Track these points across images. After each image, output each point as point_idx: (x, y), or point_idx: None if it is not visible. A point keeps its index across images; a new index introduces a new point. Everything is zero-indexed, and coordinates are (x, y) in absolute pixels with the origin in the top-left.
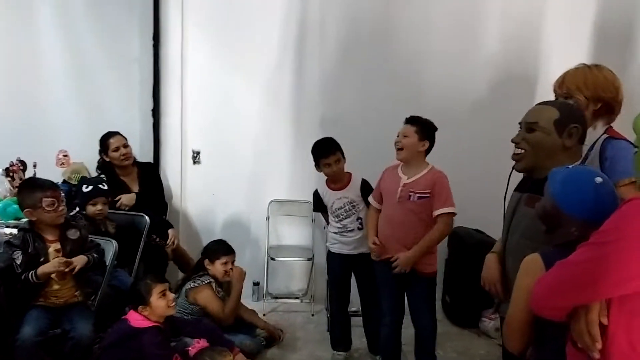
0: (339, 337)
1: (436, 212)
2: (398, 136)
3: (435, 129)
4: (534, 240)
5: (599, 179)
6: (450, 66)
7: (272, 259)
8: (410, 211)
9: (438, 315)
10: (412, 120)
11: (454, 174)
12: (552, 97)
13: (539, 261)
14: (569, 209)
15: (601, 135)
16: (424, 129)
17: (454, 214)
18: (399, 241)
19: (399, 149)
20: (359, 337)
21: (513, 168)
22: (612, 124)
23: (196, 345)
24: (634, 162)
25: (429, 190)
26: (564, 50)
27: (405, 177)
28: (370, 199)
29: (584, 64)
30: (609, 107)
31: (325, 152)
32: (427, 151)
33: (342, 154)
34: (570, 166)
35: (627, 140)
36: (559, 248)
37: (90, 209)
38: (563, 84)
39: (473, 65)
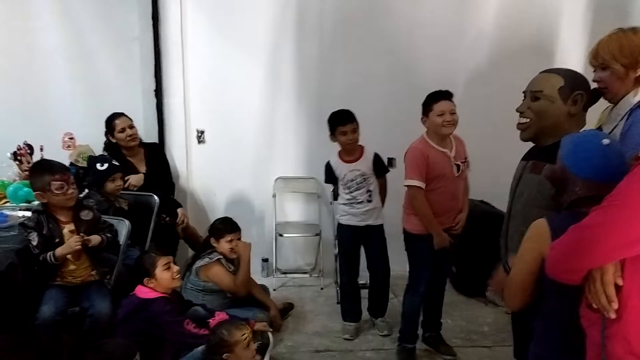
0: (349, 309)
1: (467, 173)
2: (443, 114)
3: None
4: (537, 206)
5: (606, 140)
6: (445, 40)
7: (280, 235)
8: (462, 180)
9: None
10: (448, 96)
11: None
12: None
13: (545, 226)
14: (575, 167)
15: (636, 103)
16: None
17: None
18: (456, 208)
19: (451, 126)
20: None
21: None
22: None
23: (217, 317)
24: None
25: (466, 156)
26: (559, 22)
27: (447, 150)
28: (413, 181)
29: (619, 28)
30: None
31: (344, 119)
32: None
33: (358, 125)
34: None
35: None
36: (565, 213)
37: (110, 186)
38: (598, 54)
39: (467, 37)
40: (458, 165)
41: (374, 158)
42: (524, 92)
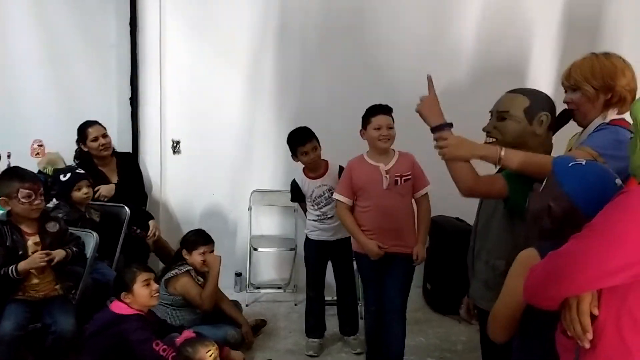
0: (314, 324)
1: (421, 193)
2: (379, 129)
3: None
4: (496, 221)
5: (619, 182)
6: (423, 54)
7: (255, 249)
8: (398, 195)
9: (419, 303)
10: (386, 110)
11: (433, 163)
12: (524, 84)
13: (536, 256)
14: (589, 210)
15: (602, 122)
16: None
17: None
18: (395, 229)
19: (386, 141)
20: (329, 322)
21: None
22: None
23: (183, 335)
24: (630, 148)
25: (410, 172)
26: (531, 44)
27: (382, 165)
28: (338, 195)
29: (592, 53)
30: (620, 96)
31: (302, 140)
32: None
33: (318, 141)
34: (583, 162)
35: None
36: (555, 244)
37: (77, 195)
38: (570, 76)
39: (443, 56)
40: (390, 179)
41: (340, 171)
42: (490, 111)
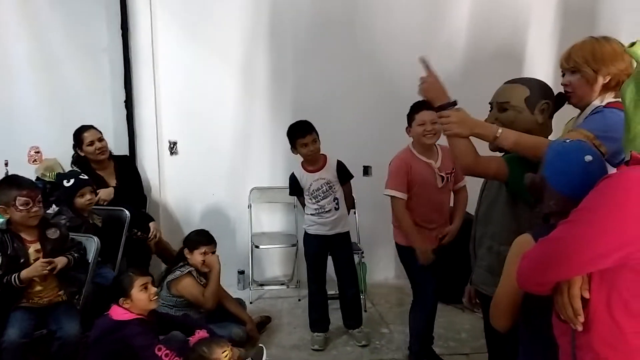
0: (317, 318)
1: (460, 185)
2: (424, 124)
3: None
4: (497, 208)
5: (588, 157)
6: (418, 44)
7: (256, 246)
8: (447, 191)
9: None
10: (429, 106)
11: None
12: (522, 73)
13: (531, 241)
14: (553, 180)
15: (599, 105)
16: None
17: None
18: (440, 221)
19: (432, 136)
20: (332, 317)
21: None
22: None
23: (196, 335)
24: (624, 129)
25: (453, 167)
26: (527, 30)
27: (432, 162)
28: (393, 192)
29: (591, 36)
30: (618, 80)
31: (302, 132)
32: None
33: (317, 135)
34: (568, 140)
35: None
36: (548, 226)
37: (79, 201)
38: (570, 58)
39: (438, 45)
40: (443, 177)
41: (338, 165)
42: (490, 103)
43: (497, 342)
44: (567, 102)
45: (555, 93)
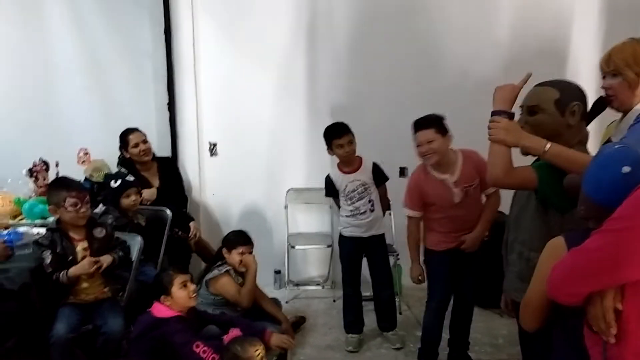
0: (352, 320)
1: (489, 191)
2: (420, 146)
3: (444, 117)
4: (527, 213)
5: (626, 169)
6: (460, 44)
7: (292, 247)
8: (472, 203)
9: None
10: (423, 124)
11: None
12: (566, 73)
13: (562, 245)
14: (586, 187)
15: None
16: (439, 125)
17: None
18: (468, 229)
19: (429, 156)
20: (367, 318)
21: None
22: None
23: (230, 333)
24: None
25: (477, 177)
26: (571, 27)
27: (448, 176)
28: (409, 211)
29: (632, 38)
30: None
31: (338, 133)
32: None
33: (353, 137)
34: (617, 146)
35: None
36: (582, 231)
37: (125, 202)
38: (610, 61)
39: (486, 41)
40: (461, 191)
41: (373, 167)
42: (520, 106)
43: (531, 349)
44: (608, 106)
45: (596, 95)
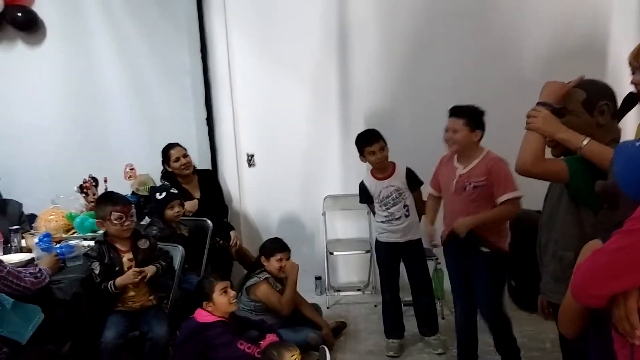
0: (392, 325)
1: (500, 200)
2: (447, 131)
3: (484, 113)
4: (560, 216)
5: None
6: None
7: (331, 253)
8: (469, 201)
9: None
10: (458, 112)
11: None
12: (607, 71)
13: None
14: (627, 188)
15: None
16: (472, 119)
17: (518, 197)
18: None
19: (450, 144)
20: (409, 323)
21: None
22: None
23: (267, 338)
24: None
25: (484, 178)
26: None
27: (460, 167)
28: (429, 188)
29: None
30: None
31: (369, 140)
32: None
33: (385, 143)
34: (637, 143)
35: None
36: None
37: (169, 213)
38: (639, 56)
39: (524, 44)
40: (464, 186)
41: (407, 172)
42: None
43: (571, 351)
44: (639, 102)
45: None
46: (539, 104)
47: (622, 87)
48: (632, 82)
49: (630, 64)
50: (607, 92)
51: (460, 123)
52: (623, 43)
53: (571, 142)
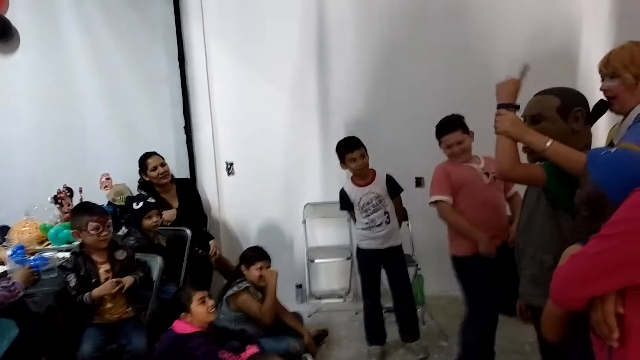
0: (374, 332)
1: (512, 192)
2: (451, 147)
3: (464, 117)
4: (537, 220)
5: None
6: (474, 52)
7: (311, 261)
8: (499, 191)
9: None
10: (451, 126)
11: None
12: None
13: None
14: (614, 194)
15: None
16: (462, 125)
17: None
18: (497, 223)
19: (460, 154)
20: (390, 330)
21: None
22: None
23: (247, 351)
24: None
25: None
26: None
27: (474, 164)
28: (439, 196)
29: (630, 41)
30: None
31: (351, 146)
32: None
33: (366, 150)
34: (612, 150)
35: None
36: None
37: (147, 223)
38: (608, 63)
39: (500, 50)
40: (488, 175)
41: (387, 179)
42: (523, 116)
43: (551, 354)
44: (609, 109)
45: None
46: (500, 106)
47: (593, 94)
48: (601, 89)
49: (600, 71)
50: (580, 99)
51: (459, 133)
52: (592, 50)
53: (535, 143)
